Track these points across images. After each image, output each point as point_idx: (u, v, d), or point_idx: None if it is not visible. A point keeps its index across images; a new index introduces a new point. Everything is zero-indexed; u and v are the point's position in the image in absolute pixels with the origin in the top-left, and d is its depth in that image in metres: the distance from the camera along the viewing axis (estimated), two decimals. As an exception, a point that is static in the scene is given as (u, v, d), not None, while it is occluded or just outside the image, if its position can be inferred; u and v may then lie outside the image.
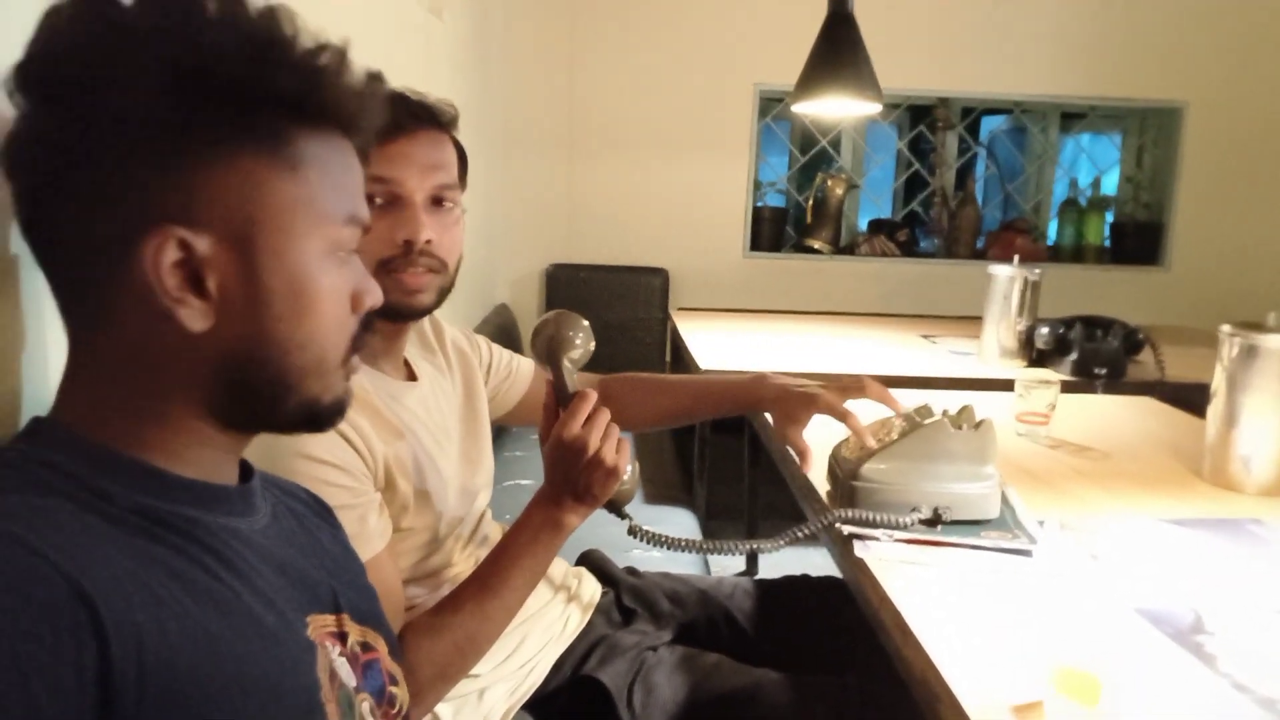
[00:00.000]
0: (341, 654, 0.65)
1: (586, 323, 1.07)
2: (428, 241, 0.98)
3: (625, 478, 1.03)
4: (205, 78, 0.56)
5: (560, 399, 1.00)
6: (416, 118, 0.98)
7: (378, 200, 0.95)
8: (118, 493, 0.55)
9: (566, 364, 1.03)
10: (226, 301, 0.57)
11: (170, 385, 0.59)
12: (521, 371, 1.34)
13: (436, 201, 1.00)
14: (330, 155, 0.62)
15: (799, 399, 1.25)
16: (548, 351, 1.04)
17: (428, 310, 1.02)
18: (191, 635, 0.52)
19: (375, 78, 0.65)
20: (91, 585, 0.47)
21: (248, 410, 0.62)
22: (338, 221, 0.62)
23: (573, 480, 0.96)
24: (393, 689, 0.71)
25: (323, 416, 0.65)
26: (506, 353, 1.33)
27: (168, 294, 0.56)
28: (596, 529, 1.12)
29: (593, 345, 1.06)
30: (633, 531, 1.06)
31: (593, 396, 0.98)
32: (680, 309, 3.39)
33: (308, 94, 0.59)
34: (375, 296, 0.66)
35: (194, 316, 0.57)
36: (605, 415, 0.97)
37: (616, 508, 1.04)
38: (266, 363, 0.60)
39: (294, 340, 0.60)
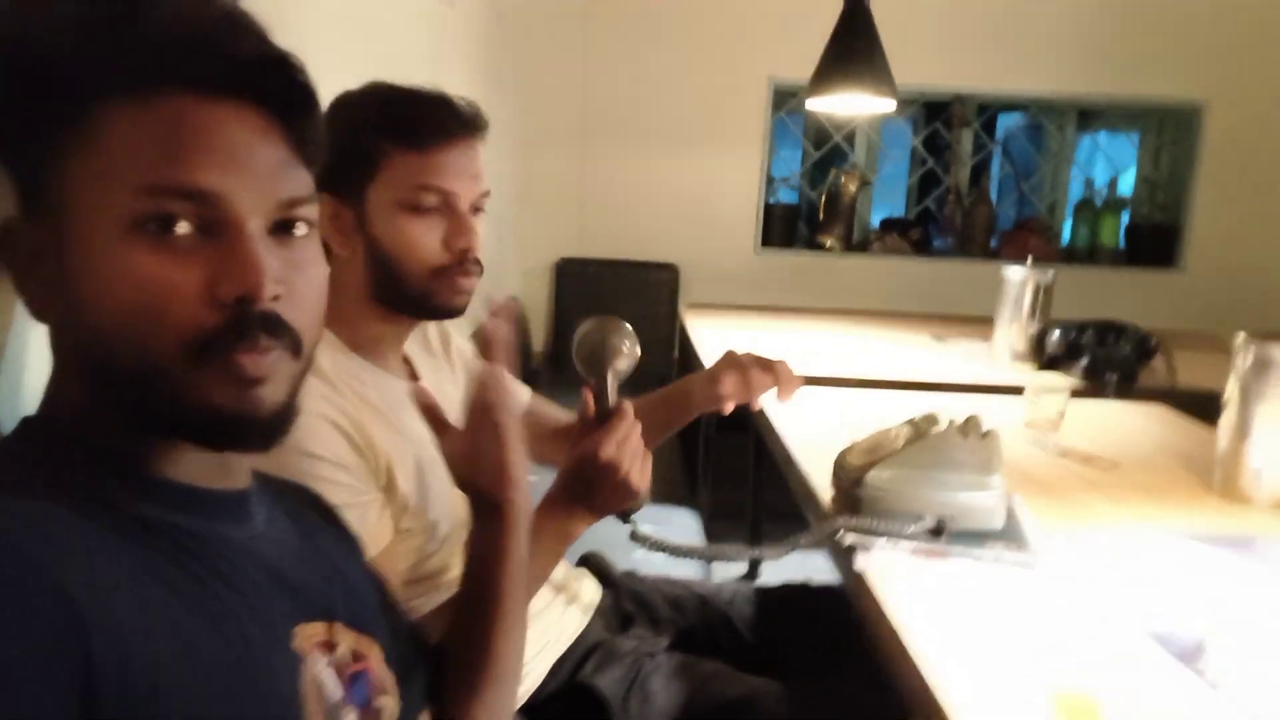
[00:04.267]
0: (329, 665, 0.64)
1: (631, 329, 1.01)
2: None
3: None
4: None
5: (600, 411, 0.96)
6: (466, 126, 1.00)
7: (428, 205, 0.98)
8: (110, 498, 0.54)
9: (611, 375, 0.98)
10: (49, 291, 0.55)
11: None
12: (517, 398, 1.33)
13: (475, 210, 1.03)
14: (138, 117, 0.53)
15: (715, 368, 1.28)
16: (592, 360, 0.98)
17: (464, 311, 1.05)
18: (176, 645, 0.51)
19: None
20: (77, 590, 0.46)
21: (136, 417, 0.56)
22: (141, 191, 0.52)
23: (593, 496, 0.96)
24: (381, 699, 0.70)
25: (223, 426, 0.55)
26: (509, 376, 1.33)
27: (21, 291, 0.55)
28: (597, 530, 1.11)
29: (639, 352, 1.01)
30: (635, 536, 1.05)
31: (630, 413, 0.95)
32: (690, 305, 3.38)
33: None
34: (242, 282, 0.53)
35: (38, 308, 0.56)
36: (637, 432, 0.96)
37: (624, 513, 1.03)
38: (103, 360, 0.54)
39: (116, 335, 0.53)
